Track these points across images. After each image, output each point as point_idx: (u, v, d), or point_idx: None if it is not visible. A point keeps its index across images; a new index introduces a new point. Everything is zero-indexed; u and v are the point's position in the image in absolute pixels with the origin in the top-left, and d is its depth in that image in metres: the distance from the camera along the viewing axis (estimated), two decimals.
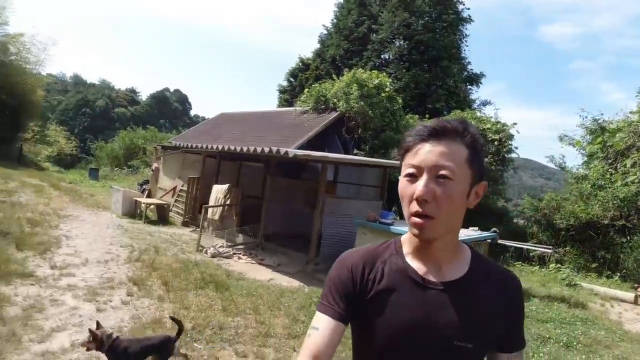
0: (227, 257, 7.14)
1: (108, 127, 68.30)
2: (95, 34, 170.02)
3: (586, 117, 9.26)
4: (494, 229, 7.35)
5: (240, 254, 7.50)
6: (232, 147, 8.26)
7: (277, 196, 8.71)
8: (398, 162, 0.90)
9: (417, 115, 13.48)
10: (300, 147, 10.28)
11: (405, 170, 0.84)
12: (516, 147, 11.51)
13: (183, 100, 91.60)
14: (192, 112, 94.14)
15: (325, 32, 20.40)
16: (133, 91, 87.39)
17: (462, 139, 0.82)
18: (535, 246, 8.84)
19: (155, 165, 14.12)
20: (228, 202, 8.81)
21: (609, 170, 8.06)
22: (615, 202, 8.40)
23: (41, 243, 5.87)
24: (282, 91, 20.73)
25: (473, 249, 0.94)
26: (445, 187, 0.79)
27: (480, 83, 17.35)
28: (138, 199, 10.52)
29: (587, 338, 4.96)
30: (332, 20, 20.40)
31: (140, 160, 25.78)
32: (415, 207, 0.81)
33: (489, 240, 7.15)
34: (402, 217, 7.87)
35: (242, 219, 8.89)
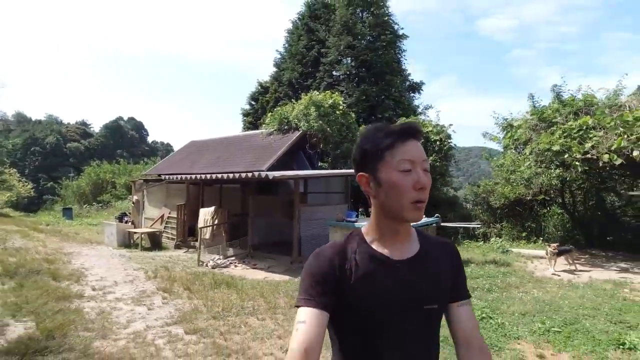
0: (225, 267, 8.51)
1: (62, 164, 66.14)
2: (34, 67, 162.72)
3: (498, 117, 11.55)
4: (437, 214, 9.21)
5: (235, 263, 8.89)
6: (215, 176, 9.65)
7: (259, 211, 10.18)
8: (372, 157, 0.98)
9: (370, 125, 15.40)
10: (272, 166, 11.79)
11: (400, 165, 0.95)
12: (454, 145, 13.60)
13: (139, 127, 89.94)
14: (150, 139, 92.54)
15: (279, 56, 22.16)
16: (84, 124, 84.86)
17: (421, 137, 1.01)
18: (466, 224, 10.79)
19: (135, 197, 15.08)
20: (216, 222, 10.15)
21: (518, 157, 10.22)
22: (522, 181, 10.62)
23: (71, 274, 7.01)
24: (245, 114, 22.14)
25: (415, 228, 1.09)
26: (429, 178, 0.97)
27: (422, 90, 19.78)
28: (130, 230, 11.58)
29: (503, 284, 6.83)
30: (284, 45, 22.21)
31: (110, 194, 26.09)
32: (419, 195, 0.94)
33: (434, 225, 8.98)
34: (366, 214, 9.86)
35: (230, 234, 10.24)
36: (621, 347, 3.88)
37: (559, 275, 7.64)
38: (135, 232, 11.54)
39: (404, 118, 15.26)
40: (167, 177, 11.36)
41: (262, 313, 5.04)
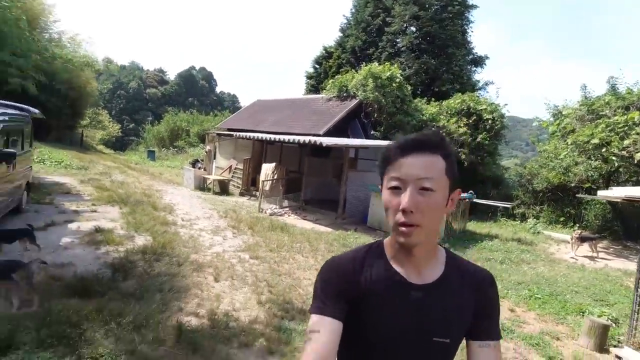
0: (280, 215, 10.21)
1: (142, 108, 72.57)
2: (120, 14, 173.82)
3: (550, 104, 11.56)
4: (471, 191, 10.03)
5: (288, 213, 10.57)
6: (277, 137, 11.16)
7: (312, 171, 11.66)
8: (380, 170, 0.94)
9: (424, 99, 15.90)
10: (328, 131, 13.07)
11: (390, 182, 0.89)
12: (506, 125, 13.83)
13: (208, 77, 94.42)
14: (218, 89, 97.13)
15: (345, 22, 22.61)
16: (161, 71, 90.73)
17: (439, 150, 0.88)
18: (499, 203, 11.35)
19: (208, 147, 17.30)
20: (275, 176, 11.82)
21: (561, 145, 10.44)
22: (560, 169, 10.89)
23: (164, 207, 9.08)
24: (309, 77, 23.28)
25: (448, 249, 1.01)
26: (429, 198, 0.85)
27: (484, 64, 19.37)
28: (205, 176, 13.74)
29: (517, 259, 7.76)
30: (351, 10, 22.52)
31: (184, 141, 29.19)
32: (401, 217, 0.86)
33: (467, 200, 9.86)
34: None
35: (286, 188, 11.91)
36: (581, 314, 4.87)
37: (576, 260, 8.33)
38: (208, 178, 13.66)
39: (460, 94, 15.52)
40: (237, 133, 13.10)
41: (306, 253, 6.58)
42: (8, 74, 10.43)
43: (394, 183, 0.89)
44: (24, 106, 7.31)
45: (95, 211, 7.65)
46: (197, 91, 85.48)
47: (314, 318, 0.92)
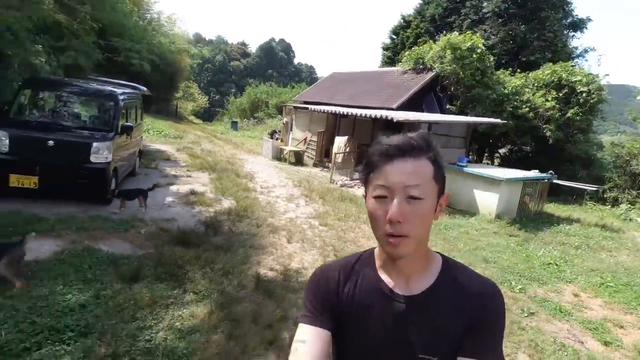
0: (350, 187, 10.70)
1: (226, 80, 76.93)
2: None
3: None
4: (551, 171, 9.45)
5: (358, 185, 11.00)
6: (349, 112, 11.47)
7: None
8: (363, 176, 0.90)
9: (509, 70, 14.80)
10: (401, 105, 13.02)
11: (375, 191, 0.84)
12: (605, 98, 12.42)
13: (287, 49, 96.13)
14: (296, 61, 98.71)
15: None
16: (244, 44, 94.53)
17: (425, 154, 0.84)
18: (583, 185, 10.37)
19: (285, 119, 18.22)
20: (347, 149, 12.24)
21: None
22: None
23: (246, 175, 10.09)
24: (385, 48, 22.77)
25: (445, 257, 0.94)
26: (417, 207, 0.81)
27: (585, 28, 17.05)
28: (282, 147, 14.69)
29: (596, 245, 7.33)
30: None
31: (263, 112, 30.81)
32: (388, 228, 0.82)
33: (546, 180, 9.33)
34: (478, 161, 10.89)
35: (357, 161, 12.29)
36: None
37: None
38: (284, 149, 14.58)
39: (551, 64, 14.15)
40: (312, 106, 13.67)
41: (367, 222, 7.01)
42: (130, 57, 12.53)
43: (380, 192, 0.83)
44: (136, 85, 8.59)
45: (189, 176, 8.86)
46: (276, 63, 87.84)
47: (301, 327, 0.90)
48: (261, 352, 2.92)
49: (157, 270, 3.85)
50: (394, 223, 0.81)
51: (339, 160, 12.39)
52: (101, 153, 5.58)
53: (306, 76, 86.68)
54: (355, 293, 0.93)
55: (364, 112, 10.94)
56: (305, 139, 15.13)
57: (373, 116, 10.05)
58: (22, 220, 4.54)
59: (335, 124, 14.09)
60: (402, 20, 21.86)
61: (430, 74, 13.99)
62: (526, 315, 4.19)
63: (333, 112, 12.66)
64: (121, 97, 6.39)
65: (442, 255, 0.95)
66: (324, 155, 14.14)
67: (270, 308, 3.55)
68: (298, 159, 14.22)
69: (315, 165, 14.04)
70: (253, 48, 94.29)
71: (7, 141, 5.20)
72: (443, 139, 12.80)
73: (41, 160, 5.27)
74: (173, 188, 7.50)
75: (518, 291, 4.81)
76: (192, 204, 6.63)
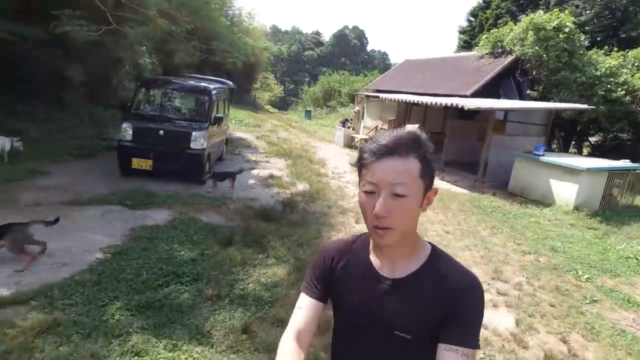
0: None
1: (300, 70, 78.87)
2: None
3: None
4: None
5: None
6: (419, 100, 11.51)
7: (455, 133, 11.72)
8: (358, 170, 0.96)
9: (603, 49, 13.45)
10: (476, 92, 12.66)
11: (364, 186, 0.91)
12: None
13: (360, 36, 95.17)
14: (369, 47, 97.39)
15: None
16: (317, 33, 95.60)
17: (414, 153, 0.89)
18: None
19: (357, 108, 18.60)
20: None
21: None
22: None
23: (318, 161, 10.80)
24: (462, 32, 21.79)
25: (435, 248, 1.01)
26: (401, 203, 0.88)
27: None
28: (353, 135, 15.17)
29: None
30: None
31: (336, 101, 31.40)
32: (375, 221, 0.89)
33: (638, 171, 8.58)
34: (564, 150, 10.30)
35: None
36: None
37: None
38: (355, 137, 15.05)
39: None
40: (383, 95, 13.88)
41: (437, 209, 7.24)
42: (227, 57, 14.45)
43: (369, 187, 0.90)
44: (223, 80, 9.69)
45: (268, 162, 9.79)
46: (349, 50, 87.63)
47: (301, 296, 1.07)
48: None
49: (245, 238, 4.65)
50: (379, 217, 0.88)
51: None
52: (198, 141, 6.61)
53: (379, 63, 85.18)
54: (346, 271, 1.03)
55: (434, 100, 10.93)
56: (376, 127, 15.41)
57: (443, 104, 10.03)
58: (143, 195, 5.68)
59: (406, 112, 14.17)
60: (481, 1, 20.71)
61: (510, 58, 13.32)
62: (588, 302, 4.23)
63: (404, 100, 12.77)
64: (214, 92, 7.39)
65: (432, 245, 1.02)
66: None
67: None
68: None
69: None
70: (327, 37, 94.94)
71: (131, 131, 6.44)
72: (521, 127, 12.21)
73: (154, 146, 6.44)
74: (254, 172, 8.44)
75: (585, 280, 4.79)
76: (270, 186, 7.47)
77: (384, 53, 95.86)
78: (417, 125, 12.53)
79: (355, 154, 13.48)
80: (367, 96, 16.56)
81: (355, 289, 1.00)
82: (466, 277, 0.95)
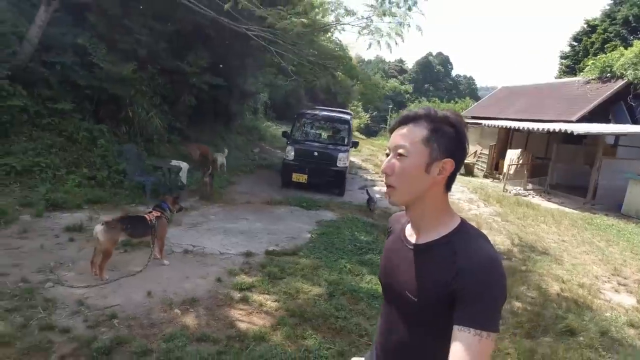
0: (524, 196, 11.45)
1: (384, 97, 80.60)
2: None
3: None
4: None
5: (532, 194, 11.65)
6: (523, 126, 12.18)
7: (561, 157, 12.12)
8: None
9: None
10: (583, 117, 12.90)
11: (386, 151, 1.05)
12: None
13: (444, 62, 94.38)
14: (454, 72, 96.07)
15: None
16: (401, 61, 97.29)
17: (425, 122, 0.99)
18: None
19: None
20: (521, 162, 12.91)
21: None
22: None
23: None
24: (564, 57, 21.55)
25: (464, 225, 1.02)
26: (401, 162, 0.98)
27: None
28: None
29: None
30: None
31: None
32: (384, 179, 1.02)
33: None
34: None
35: (531, 173, 12.81)
36: None
37: None
38: None
39: None
40: (485, 122, 14.68)
41: (550, 224, 8.00)
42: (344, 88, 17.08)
43: (386, 152, 1.04)
44: (348, 111, 11.62)
45: (381, 181, 11.31)
46: (433, 76, 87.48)
47: None
48: None
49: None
50: (385, 175, 1.01)
51: (511, 172, 13.13)
52: (342, 160, 8.40)
53: (465, 88, 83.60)
54: (392, 233, 1.18)
55: (539, 126, 11.57)
56: (475, 152, 16.17)
57: (551, 130, 10.69)
58: (309, 200, 7.52)
59: (507, 138, 14.78)
60: (585, 25, 20.41)
61: (620, 83, 13.33)
62: None
63: (505, 126, 13.48)
64: (351, 121, 9.22)
65: (463, 220, 1.03)
66: (495, 168, 14.94)
67: None
68: (468, 171, 15.39)
69: (485, 176, 14.97)
70: (410, 64, 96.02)
71: (293, 153, 8.46)
72: (634, 151, 12.13)
73: (309, 164, 8.35)
74: (376, 188, 10.00)
75: None
76: None
77: (470, 78, 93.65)
78: (519, 150, 13.16)
79: (459, 177, 14.38)
80: (466, 123, 17.40)
81: (389, 251, 1.13)
82: (481, 258, 0.92)
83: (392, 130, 1.04)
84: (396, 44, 7.67)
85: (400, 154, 0.98)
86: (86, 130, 6.94)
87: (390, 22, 6.77)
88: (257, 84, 16.51)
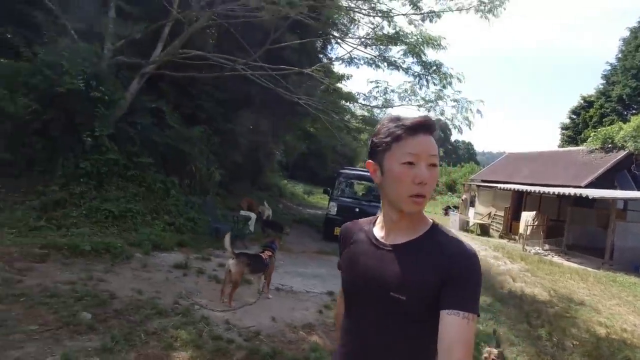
0: (544, 256, 12.06)
1: None
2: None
3: None
4: None
5: (551, 255, 12.26)
6: (536, 189, 13.14)
7: (575, 219, 12.93)
8: (384, 146, 1.05)
9: None
10: (590, 183, 13.90)
11: (404, 157, 1.00)
12: None
13: (443, 127, 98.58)
14: (452, 138, 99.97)
15: (609, 69, 21.83)
16: None
17: (435, 132, 1.05)
18: None
19: (464, 196, 20.44)
20: (536, 223, 13.68)
21: None
22: None
23: None
24: (564, 128, 23.33)
25: (436, 224, 1.09)
26: (435, 173, 1.02)
27: None
28: (468, 220, 16.90)
29: None
30: (616, 56, 21.63)
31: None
32: (417, 189, 0.99)
33: None
34: None
35: (546, 234, 13.51)
36: None
37: None
38: (469, 221, 16.73)
39: None
40: (500, 185, 15.69)
41: (576, 280, 8.57)
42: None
43: (409, 159, 1.00)
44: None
45: None
46: None
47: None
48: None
49: None
50: (422, 185, 0.99)
51: (528, 233, 13.85)
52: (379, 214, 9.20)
53: (464, 153, 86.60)
54: (353, 241, 1.17)
55: (553, 190, 12.52)
56: (489, 213, 17.00)
57: (565, 194, 11.62)
58: None
59: (520, 200, 15.69)
60: (582, 101, 22.38)
61: (622, 153, 14.50)
62: None
63: (519, 189, 14.46)
64: None
65: (434, 221, 1.10)
66: (509, 229, 15.66)
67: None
68: (484, 231, 16.10)
69: (501, 237, 15.64)
70: None
71: (336, 208, 9.27)
72: None
73: (350, 219, 9.12)
74: None
75: None
76: None
77: (469, 143, 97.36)
78: (534, 212, 14.00)
79: (473, 237, 15.08)
80: (478, 186, 18.45)
81: (358, 257, 1.11)
82: (463, 248, 1.01)
83: (413, 132, 1.02)
84: (468, 127, 8.51)
85: (433, 164, 1.02)
86: (161, 182, 7.81)
87: (454, 106, 7.78)
88: (279, 143, 17.97)
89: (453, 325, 0.91)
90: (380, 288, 1.02)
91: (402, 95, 8.61)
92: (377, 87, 8.68)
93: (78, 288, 3.60)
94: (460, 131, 8.26)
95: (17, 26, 7.23)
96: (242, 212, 7.72)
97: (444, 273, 0.96)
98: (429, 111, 8.29)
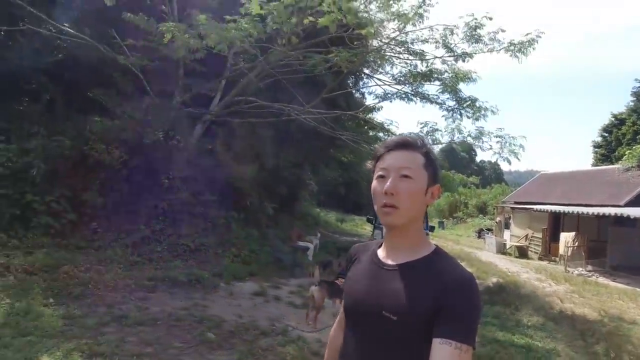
0: (588, 277, 12.05)
1: None
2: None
3: None
4: None
5: (595, 275, 12.23)
6: (573, 210, 13.24)
7: (617, 239, 12.90)
8: (373, 166, 1.15)
9: None
10: (630, 202, 13.87)
11: (377, 173, 1.09)
12: None
13: (468, 149, 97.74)
14: (478, 159, 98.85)
15: (638, 85, 21.86)
16: None
17: (419, 149, 1.09)
18: None
19: (498, 218, 20.46)
20: (577, 244, 13.69)
21: None
22: None
23: (488, 263, 12.84)
24: (597, 146, 23.21)
25: (438, 248, 1.11)
26: (407, 184, 1.04)
27: None
28: (505, 242, 16.96)
29: None
30: None
31: (462, 212, 33.27)
32: (384, 199, 1.04)
33: None
34: None
35: (588, 255, 13.47)
36: None
37: None
38: (507, 244, 16.78)
39: None
40: (536, 206, 15.79)
41: (625, 301, 8.66)
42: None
43: (380, 173, 1.08)
44: None
45: None
46: (457, 163, 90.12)
47: None
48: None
49: (496, 301, 7.09)
50: (387, 195, 1.04)
51: (568, 253, 13.84)
52: None
53: (490, 173, 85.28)
54: (357, 262, 1.21)
55: (592, 210, 12.62)
56: (526, 235, 17.02)
57: (607, 214, 11.73)
58: None
59: (557, 221, 15.70)
60: (613, 119, 22.30)
61: None
62: None
63: (556, 210, 14.56)
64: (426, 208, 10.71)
65: (437, 246, 1.12)
66: (548, 250, 15.62)
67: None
68: (522, 253, 16.11)
69: (540, 258, 15.61)
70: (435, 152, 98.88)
71: (381, 235, 9.78)
72: None
73: None
74: None
75: None
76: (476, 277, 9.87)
77: (495, 163, 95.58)
78: (573, 233, 14.03)
79: (512, 259, 15.13)
80: (513, 208, 18.54)
81: (359, 276, 1.15)
82: (462, 275, 1.01)
83: (388, 150, 1.10)
84: (516, 159, 8.91)
85: (406, 176, 1.05)
86: (223, 217, 8.62)
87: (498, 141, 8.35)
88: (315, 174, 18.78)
89: (444, 356, 0.90)
90: (374, 306, 1.04)
91: (446, 132, 9.29)
92: (424, 126, 9.37)
93: (193, 313, 4.29)
94: (509, 162, 8.81)
95: (101, 87, 8.37)
96: (300, 243, 8.38)
97: (439, 298, 0.96)
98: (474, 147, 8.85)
